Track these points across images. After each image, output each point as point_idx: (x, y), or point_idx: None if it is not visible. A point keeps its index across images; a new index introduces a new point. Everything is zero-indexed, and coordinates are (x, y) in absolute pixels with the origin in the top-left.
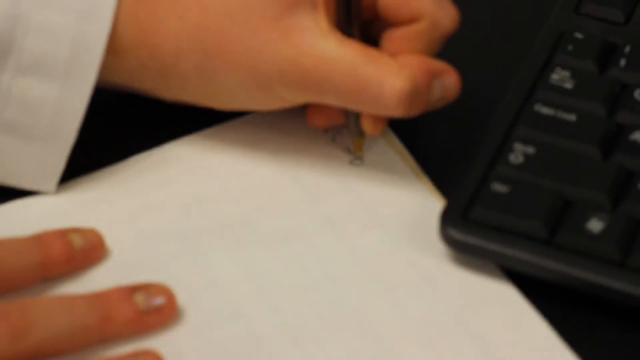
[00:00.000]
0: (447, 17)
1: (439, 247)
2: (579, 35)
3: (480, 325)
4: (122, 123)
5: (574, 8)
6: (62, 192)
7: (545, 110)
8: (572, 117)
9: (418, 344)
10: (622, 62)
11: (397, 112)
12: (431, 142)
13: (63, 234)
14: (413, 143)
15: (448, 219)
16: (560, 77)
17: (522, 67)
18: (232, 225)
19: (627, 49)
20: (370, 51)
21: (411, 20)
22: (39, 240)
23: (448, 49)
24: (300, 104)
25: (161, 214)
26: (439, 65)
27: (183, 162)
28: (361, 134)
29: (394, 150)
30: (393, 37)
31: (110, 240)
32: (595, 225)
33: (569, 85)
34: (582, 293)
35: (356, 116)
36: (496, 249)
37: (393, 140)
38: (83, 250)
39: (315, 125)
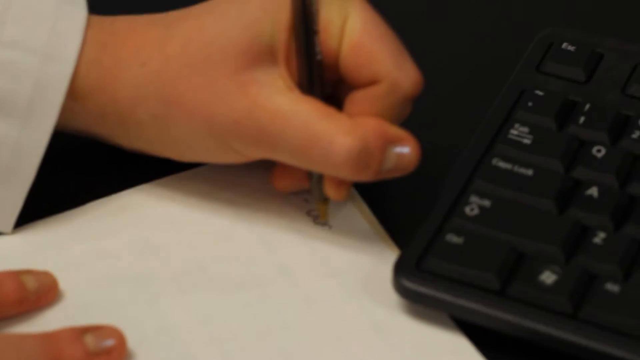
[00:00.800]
0: (407, 79)
1: (392, 297)
2: (539, 93)
3: None
4: (81, 167)
5: (536, 66)
6: (18, 233)
7: (503, 165)
8: (529, 172)
9: None
10: (581, 119)
11: (346, 172)
12: (389, 194)
13: (16, 275)
14: (371, 195)
15: (401, 269)
16: (518, 132)
17: (482, 122)
18: (187, 271)
19: (587, 106)
20: (326, 109)
21: (372, 82)
22: None
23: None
24: (255, 159)
25: (116, 259)
26: (397, 132)
27: (140, 209)
28: (325, 199)
29: (351, 202)
30: (354, 99)
31: (64, 284)
32: (548, 277)
33: (527, 140)
34: (534, 344)
35: (319, 180)
36: (449, 299)
37: (353, 194)
38: (36, 292)
39: (280, 188)
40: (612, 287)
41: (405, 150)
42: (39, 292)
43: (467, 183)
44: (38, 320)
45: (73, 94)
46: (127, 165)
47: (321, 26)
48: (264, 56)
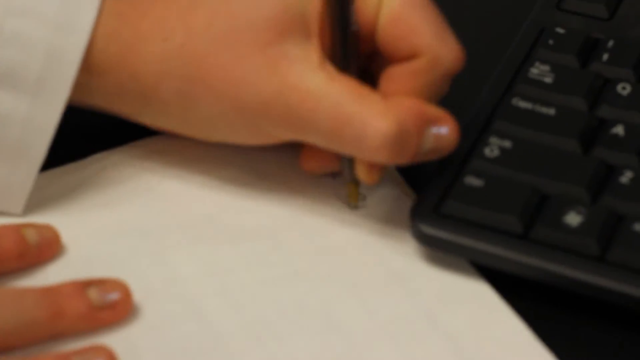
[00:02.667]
0: (449, 54)
1: (410, 244)
2: (560, 30)
3: (452, 324)
4: (99, 145)
5: (556, 4)
6: None
7: (524, 104)
8: (551, 111)
9: (386, 342)
10: (605, 56)
11: (381, 157)
12: None
13: (17, 229)
14: None
15: (419, 214)
16: (539, 71)
17: (501, 62)
18: (194, 222)
19: (610, 43)
20: (360, 89)
21: (411, 56)
22: None
23: None
24: (285, 141)
25: (120, 211)
26: (435, 111)
27: (145, 161)
28: (355, 181)
29: None
30: (391, 75)
31: (66, 237)
32: (573, 219)
33: (548, 79)
34: (559, 289)
35: (350, 162)
36: (469, 244)
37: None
38: (37, 246)
39: (308, 169)
40: None
41: (444, 130)
42: (40, 246)
43: (486, 124)
44: (39, 274)
45: (90, 68)
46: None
47: None
48: (295, 28)
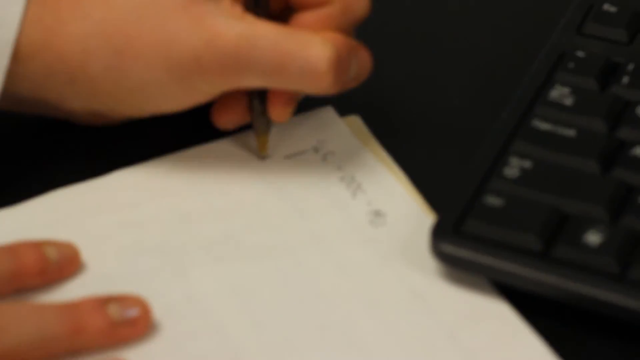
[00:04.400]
0: (359, 1)
1: (430, 263)
2: (580, 54)
3: (472, 343)
4: (119, 159)
5: (577, 28)
6: (40, 203)
7: (544, 126)
8: (571, 133)
9: None
10: (625, 79)
11: (325, 84)
12: (424, 159)
13: (37, 246)
14: (405, 160)
15: (440, 233)
16: (560, 93)
17: (521, 85)
18: (215, 240)
19: (631, 66)
20: (289, 27)
21: (322, 4)
22: (13, 250)
23: (449, 64)
24: (220, 94)
25: (141, 229)
26: (353, 41)
27: (166, 179)
28: (267, 130)
29: (385, 167)
30: (302, 20)
31: (87, 255)
32: (593, 237)
33: (568, 101)
34: (579, 308)
35: (262, 112)
36: (489, 262)
37: (384, 157)
38: (57, 263)
39: (221, 124)
40: None
41: (363, 57)
42: (60, 263)
43: (506, 144)
44: (59, 291)
45: (16, 55)
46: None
47: None
48: None
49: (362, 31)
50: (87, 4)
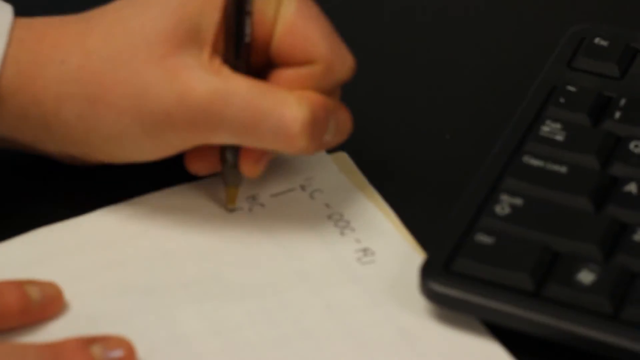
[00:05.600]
0: (343, 64)
1: (419, 302)
2: (571, 89)
3: None
4: (83, 173)
5: (567, 62)
6: (21, 241)
7: (534, 162)
8: (562, 169)
9: None
10: (617, 114)
11: (298, 145)
12: (413, 196)
13: (19, 285)
14: (394, 197)
15: (429, 272)
16: (550, 129)
17: (511, 121)
18: (200, 279)
19: (623, 101)
20: (265, 84)
21: (305, 63)
22: None
23: (439, 98)
24: (190, 148)
25: (125, 268)
26: (331, 101)
27: (149, 217)
28: (236, 183)
29: (374, 205)
30: (282, 78)
31: (69, 294)
32: (586, 276)
33: (560, 137)
34: (572, 349)
35: (234, 164)
36: (480, 301)
37: (373, 195)
38: (40, 303)
39: (193, 171)
40: None
41: (342, 117)
42: (43, 303)
43: (497, 182)
44: (42, 331)
45: None
46: (133, 175)
47: (255, 8)
48: (190, 40)
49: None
50: (65, 48)
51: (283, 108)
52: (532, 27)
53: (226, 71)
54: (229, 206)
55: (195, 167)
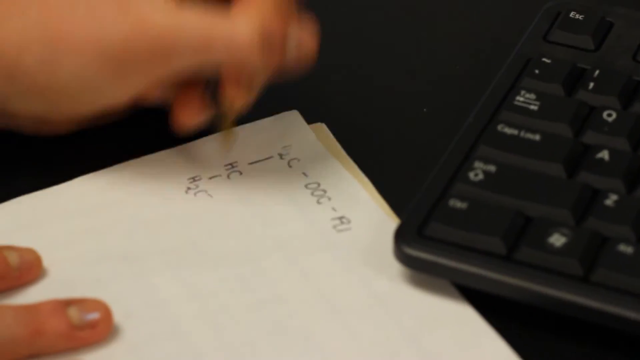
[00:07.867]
0: None
1: (394, 268)
2: (546, 61)
3: (436, 346)
4: (65, 141)
5: (543, 35)
6: (2, 210)
7: (509, 131)
8: (536, 137)
9: None
10: (591, 85)
11: (254, 56)
12: (389, 165)
13: None
14: (370, 167)
15: (403, 236)
16: (525, 99)
17: (487, 91)
18: (177, 247)
19: (596, 73)
20: (214, 9)
21: None
22: None
23: (416, 71)
24: (154, 81)
25: (103, 236)
26: (287, 16)
27: (128, 185)
28: (231, 114)
29: (350, 174)
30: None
31: (49, 260)
32: (557, 240)
33: (534, 107)
34: (543, 311)
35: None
36: (453, 265)
37: (350, 164)
38: (18, 269)
39: (181, 122)
40: (625, 249)
41: (304, 25)
42: (21, 269)
43: (471, 150)
44: (20, 296)
45: None
46: (112, 143)
47: None
48: None
49: (328, 40)
50: (24, 2)
51: (233, 23)
52: (509, 3)
53: (172, 3)
54: (225, 148)
55: (182, 117)
